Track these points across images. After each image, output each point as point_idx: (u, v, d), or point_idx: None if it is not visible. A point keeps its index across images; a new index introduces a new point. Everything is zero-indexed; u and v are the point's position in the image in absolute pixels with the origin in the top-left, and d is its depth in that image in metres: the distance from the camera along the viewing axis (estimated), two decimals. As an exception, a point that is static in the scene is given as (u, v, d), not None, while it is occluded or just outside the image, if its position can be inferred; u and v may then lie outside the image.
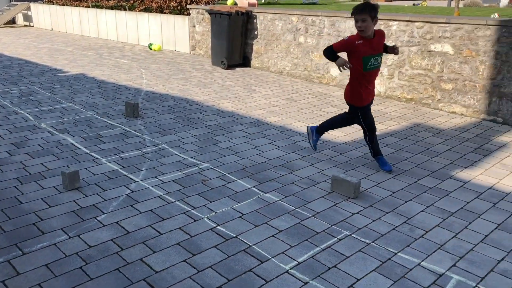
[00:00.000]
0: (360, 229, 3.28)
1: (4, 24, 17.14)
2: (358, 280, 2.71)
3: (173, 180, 4.00)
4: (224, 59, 9.20)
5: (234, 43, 9.14)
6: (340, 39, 7.62)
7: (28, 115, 5.82)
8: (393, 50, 4.15)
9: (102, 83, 7.79)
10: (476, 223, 3.41)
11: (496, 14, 20.97)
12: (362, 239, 3.15)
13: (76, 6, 14.95)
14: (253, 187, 3.92)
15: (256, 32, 9.19)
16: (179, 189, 3.84)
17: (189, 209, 3.50)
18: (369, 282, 2.70)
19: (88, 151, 4.62)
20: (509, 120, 5.87)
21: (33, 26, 17.35)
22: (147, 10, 12.48)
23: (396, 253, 3.00)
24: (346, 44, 4.02)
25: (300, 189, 3.91)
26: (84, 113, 5.98)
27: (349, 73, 4.19)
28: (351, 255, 2.96)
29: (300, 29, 8.29)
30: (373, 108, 6.50)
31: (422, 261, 2.92)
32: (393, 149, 4.87)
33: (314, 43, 8.08)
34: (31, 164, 4.27)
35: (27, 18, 17.65)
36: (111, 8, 13.65)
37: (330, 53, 4.06)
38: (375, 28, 4.08)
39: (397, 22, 6.81)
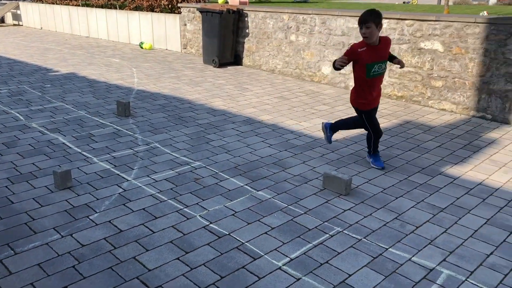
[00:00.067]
0: (351, 225, 3.31)
1: (-7, 23, 16.98)
2: (350, 275, 2.74)
3: (165, 179, 4.00)
4: (216, 58, 9.20)
5: (225, 41, 9.14)
6: (331, 37, 7.68)
7: (18, 114, 5.78)
8: (399, 63, 4.22)
9: (93, 82, 7.76)
10: (465, 218, 3.46)
11: (485, 12, 21.17)
12: (354, 235, 3.18)
13: (66, 5, 14.85)
14: (246, 185, 3.93)
15: (247, 31, 9.20)
16: (172, 187, 3.84)
17: (182, 208, 3.51)
18: (361, 277, 2.73)
19: (80, 151, 4.61)
20: (498, 117, 5.94)
21: (22, 25, 17.21)
22: (137, 8, 12.43)
23: (387, 249, 3.03)
24: (349, 54, 4.05)
25: (292, 186, 3.93)
26: (75, 112, 5.96)
27: (345, 72, 4.21)
28: (343, 251, 2.99)
29: (291, 27, 8.31)
30: (364, 105, 6.56)
31: (413, 256, 2.96)
32: (384, 146, 4.91)
33: (306, 41, 8.11)
34: (22, 164, 4.25)
35: (16, 17, 17.50)
36: (102, 6, 13.58)
37: (340, 67, 4.08)
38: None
39: (387, 20, 6.85)
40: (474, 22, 5.97)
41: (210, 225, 3.27)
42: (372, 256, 2.94)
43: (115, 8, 13.07)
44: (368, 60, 3.99)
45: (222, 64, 9.34)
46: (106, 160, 4.37)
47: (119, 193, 3.71)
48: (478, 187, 4.00)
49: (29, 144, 4.74)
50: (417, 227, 3.31)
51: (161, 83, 7.74)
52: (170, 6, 11.38)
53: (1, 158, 4.38)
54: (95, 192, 3.72)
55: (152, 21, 11.65)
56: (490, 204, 3.69)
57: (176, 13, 11.09)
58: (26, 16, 16.91)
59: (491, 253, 3.01)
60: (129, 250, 2.93)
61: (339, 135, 5.25)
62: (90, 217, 3.32)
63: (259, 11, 8.87)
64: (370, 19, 3.90)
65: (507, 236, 3.22)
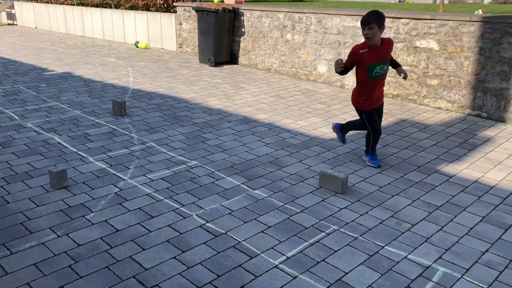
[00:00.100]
0: (347, 224, 3.32)
1: (-12, 22, 16.90)
2: (346, 273, 2.75)
3: (161, 178, 4.00)
4: (212, 57, 9.19)
5: (221, 40, 9.13)
6: (326, 36, 7.68)
7: (13, 114, 5.76)
8: (402, 73, 4.26)
9: (88, 81, 7.73)
10: (461, 216, 3.48)
11: (480, 11, 21.25)
12: (350, 233, 3.19)
13: (61, 4, 14.79)
14: (242, 184, 3.94)
15: (243, 29, 9.20)
16: (168, 187, 3.84)
17: (178, 207, 3.50)
18: (357, 275, 2.74)
19: (76, 150, 4.59)
20: (493, 115, 5.97)
21: (17, 25, 17.13)
22: (133, 7, 12.39)
23: (383, 247, 3.04)
24: (351, 56, 4.06)
25: (288, 185, 3.94)
26: (71, 112, 5.94)
27: (345, 75, 4.21)
28: (339, 249, 3.00)
29: (287, 26, 8.32)
30: (360, 104, 6.57)
31: (409, 254, 2.97)
32: (380, 145, 4.92)
33: (301, 40, 8.12)
34: (18, 163, 4.23)
35: (11, 16, 17.42)
36: (97, 6, 13.53)
37: (344, 71, 4.11)
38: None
39: (383, 19, 6.86)
40: (469, 21, 5.99)
41: (207, 224, 3.27)
42: (368, 254, 2.95)
43: (110, 7, 13.03)
44: (370, 61, 4.00)
45: (218, 63, 9.33)
46: (102, 160, 4.36)
47: (115, 193, 3.71)
48: (474, 185, 4.01)
49: (25, 144, 4.72)
50: (413, 225, 3.33)
51: (157, 82, 7.73)
52: (165, 5, 11.36)
53: (-4, 158, 4.36)
54: (91, 192, 3.71)
55: (148, 20, 11.63)
56: (485, 202, 3.71)
57: (172, 12, 11.07)
58: (20, 16, 16.84)
59: (487, 251, 3.03)
60: (126, 250, 2.93)
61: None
62: (86, 217, 3.32)
63: (255, 10, 8.87)
64: (373, 20, 3.91)
65: (502, 234, 3.24)
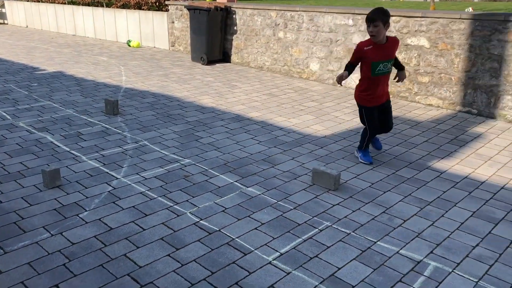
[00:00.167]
0: (340, 220, 3.35)
1: (-23, 21, 16.76)
2: (339, 268, 2.78)
3: (155, 176, 4.01)
4: (204, 55, 9.19)
5: (213, 38, 9.13)
6: (318, 34, 7.71)
7: (5, 113, 5.73)
8: (399, 77, 4.31)
9: (80, 80, 7.71)
10: (452, 211, 3.52)
11: (470, 8, 21.39)
12: (343, 229, 3.22)
13: (52, 3, 14.70)
14: (235, 181, 3.95)
15: (235, 28, 9.21)
16: (161, 185, 3.85)
17: (172, 205, 3.52)
18: (350, 270, 2.77)
19: (68, 149, 4.59)
20: (484, 112, 6.03)
21: (7, 24, 17.00)
22: (125, 6, 12.34)
23: (375, 242, 3.07)
24: (356, 53, 4.09)
25: (281, 182, 3.96)
26: (63, 111, 5.92)
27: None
28: (332, 245, 3.03)
29: (279, 24, 8.34)
30: (352, 102, 6.61)
31: (401, 249, 3.00)
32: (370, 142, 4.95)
33: (294, 38, 8.14)
34: (10, 163, 4.22)
35: (1, 15, 17.27)
36: (88, 4, 13.46)
37: (348, 69, 4.13)
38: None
39: (374, 17, 6.91)
40: (459, 18, 6.04)
41: (201, 221, 3.28)
42: (360, 250, 2.98)
43: (102, 6, 12.97)
44: (374, 58, 4.01)
45: (210, 62, 9.34)
46: (95, 159, 4.36)
47: (109, 191, 3.71)
48: (464, 181, 4.06)
49: (17, 144, 4.70)
50: (404, 221, 3.36)
51: (149, 81, 7.72)
52: (157, 3, 11.33)
53: (-11, 157, 4.34)
54: (84, 191, 3.71)
55: (140, 18, 11.60)
56: (476, 197, 3.75)
57: (164, 11, 11.04)
58: (11, 15, 16.71)
59: (477, 245, 3.07)
60: (120, 248, 2.94)
61: (328, 131, 5.29)
62: (80, 216, 3.32)
63: (247, 8, 8.88)
64: (378, 17, 3.91)
65: (492, 228, 3.28)
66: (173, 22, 10.67)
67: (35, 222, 3.21)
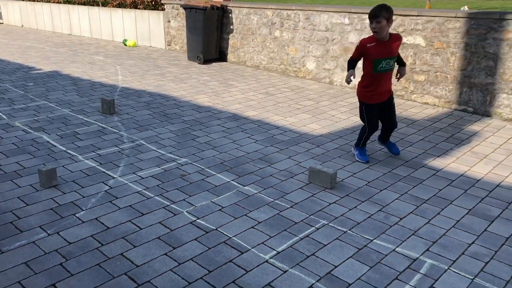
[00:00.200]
0: (337, 218, 3.36)
1: (-28, 21, 16.67)
2: (335, 267, 2.79)
3: (151, 176, 4.00)
4: (200, 54, 9.19)
5: (209, 38, 9.13)
6: (315, 32, 7.72)
7: (0, 113, 5.71)
8: (399, 73, 4.26)
9: (76, 80, 7.69)
10: (448, 209, 3.54)
11: (466, 7, 21.45)
12: (339, 228, 3.23)
13: (47, 2, 14.65)
14: (232, 180, 3.96)
15: (231, 27, 9.20)
16: (158, 184, 3.85)
17: (169, 204, 3.52)
18: (346, 268, 2.78)
19: (65, 149, 4.58)
20: (479, 110, 6.05)
21: (2, 23, 16.92)
22: (120, 5, 12.31)
23: (372, 240, 3.09)
24: (358, 49, 4.08)
25: (278, 181, 3.97)
26: (59, 110, 5.91)
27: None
28: (329, 243, 3.04)
29: (275, 23, 8.34)
30: (348, 101, 6.63)
31: (397, 247, 3.02)
32: (368, 140, 4.96)
33: (290, 37, 8.14)
34: (6, 163, 4.21)
35: (-4, 14, 17.20)
36: (84, 3, 13.42)
37: (350, 65, 4.13)
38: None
39: (370, 16, 6.92)
40: (455, 17, 6.06)
41: (197, 220, 3.29)
42: (357, 248, 2.99)
43: (98, 5, 12.94)
44: (377, 55, 3.99)
45: (206, 61, 9.33)
46: (92, 158, 4.35)
47: (105, 191, 3.71)
48: (460, 179, 4.08)
49: (13, 143, 4.69)
50: (401, 219, 3.38)
51: (146, 80, 7.71)
52: (153, 2, 11.31)
53: (-16, 157, 4.33)
54: (81, 190, 3.70)
55: (136, 18, 11.57)
56: (471, 195, 3.77)
57: (160, 10, 11.02)
58: (6, 14, 16.64)
59: (473, 242, 3.09)
60: (117, 247, 2.94)
61: (324, 129, 5.30)
62: (77, 215, 3.32)
63: (243, 7, 8.88)
64: (381, 14, 3.88)
65: (488, 226, 3.30)
66: (169, 21, 10.66)
67: (32, 222, 3.21)
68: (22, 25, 15.91)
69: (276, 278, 2.67)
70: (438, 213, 3.47)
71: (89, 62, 9.36)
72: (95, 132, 5.09)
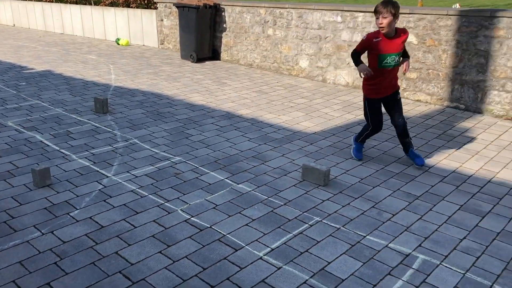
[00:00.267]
0: (330, 215, 3.39)
1: (-37, 20, 16.53)
2: (329, 263, 2.82)
3: (145, 174, 4.01)
4: (193, 53, 9.18)
5: (202, 36, 9.12)
6: (307, 31, 7.74)
7: (-7, 113, 5.69)
8: (402, 64, 4.12)
9: (69, 79, 7.66)
10: (440, 205, 3.57)
11: (457, 4, 21.55)
12: (332, 224, 3.26)
13: (39, 1, 14.56)
14: (226, 178, 3.97)
15: (224, 25, 9.20)
16: (152, 183, 3.86)
17: (163, 202, 3.53)
18: (340, 264, 2.81)
19: (58, 148, 4.57)
20: (471, 107, 6.11)
21: (-6, 22, 16.79)
22: (113, 4, 12.27)
23: (365, 236, 3.11)
24: (364, 43, 4.04)
25: (272, 179, 3.99)
26: (52, 110, 5.89)
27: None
28: (322, 239, 3.07)
29: (268, 21, 8.35)
30: (341, 98, 6.66)
31: (390, 242, 3.05)
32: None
33: (283, 35, 8.16)
34: (-1, 162, 4.20)
35: (-12, 14, 17.06)
36: (76, 2, 13.36)
37: (355, 57, 4.09)
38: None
39: (362, 14, 6.96)
40: (446, 15, 6.11)
41: (192, 218, 3.30)
42: (350, 244, 3.02)
43: (90, 4, 12.89)
44: (382, 51, 3.94)
45: (200, 59, 9.32)
46: (85, 157, 4.35)
47: (99, 190, 3.71)
48: (452, 175, 4.12)
49: (6, 143, 4.67)
50: (393, 215, 3.41)
51: (139, 79, 7.70)
52: (146, 1, 11.28)
53: (-23, 157, 4.32)
54: (75, 189, 3.70)
55: (128, 17, 11.54)
56: (463, 191, 3.81)
57: (153, 9, 11.00)
58: (-3, 13, 16.51)
59: (464, 238, 3.13)
60: (111, 245, 2.95)
61: (317, 127, 5.33)
62: (71, 214, 3.32)
63: (236, 6, 8.88)
64: (387, 9, 3.81)
65: (479, 221, 3.34)
66: (162, 20, 10.64)
67: (26, 221, 3.21)
68: (14, 24, 15.81)
69: (270, 275, 2.69)
70: (430, 209, 3.50)
71: (81, 61, 9.32)
72: (88, 131, 5.08)
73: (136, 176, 3.97)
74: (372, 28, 6.84)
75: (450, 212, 3.47)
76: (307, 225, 3.24)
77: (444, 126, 5.50)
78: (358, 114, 5.87)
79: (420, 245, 3.02)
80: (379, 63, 4.02)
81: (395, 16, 3.86)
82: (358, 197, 3.67)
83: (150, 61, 9.32)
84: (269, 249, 2.95)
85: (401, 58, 4.12)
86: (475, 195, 3.75)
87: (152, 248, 2.93)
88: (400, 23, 6.52)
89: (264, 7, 8.36)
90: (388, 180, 4.00)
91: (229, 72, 8.43)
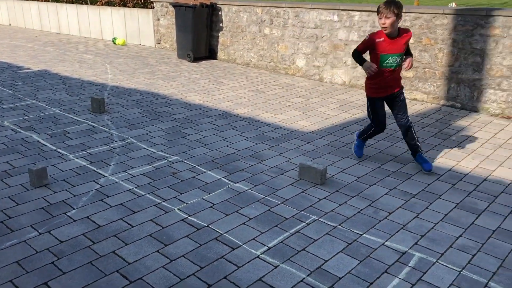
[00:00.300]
0: (327, 214, 3.40)
1: (-41, 20, 16.46)
2: (326, 261, 2.83)
3: (142, 174, 4.01)
4: (190, 52, 9.18)
5: (199, 35, 9.12)
6: (304, 30, 7.75)
7: (-11, 113, 5.68)
8: (404, 61, 4.04)
9: (66, 79, 7.65)
10: (436, 203, 3.59)
11: (453, 3, 21.58)
12: (329, 223, 3.27)
13: (35, 0, 14.52)
14: (223, 177, 3.98)
15: (221, 24, 9.20)
16: (149, 182, 3.86)
17: (160, 201, 3.53)
18: (337, 262, 2.82)
19: (55, 148, 4.57)
20: (467, 105, 6.13)
21: (-10, 22, 16.74)
22: (109, 3, 12.25)
23: (361, 235, 3.13)
24: (366, 43, 3.99)
25: (269, 178, 4.00)
26: (49, 109, 5.88)
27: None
28: (319, 238, 3.08)
29: (265, 20, 8.36)
30: (338, 97, 6.67)
31: (386, 241, 3.06)
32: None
33: (280, 34, 8.17)
34: (-4, 162, 4.19)
35: (-17, 13, 17.00)
36: (72, 2, 13.33)
37: (357, 56, 4.05)
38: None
39: (359, 13, 6.97)
40: (442, 14, 6.13)
41: (189, 217, 3.31)
42: (347, 242, 3.03)
43: (86, 3, 12.86)
44: (383, 51, 3.92)
45: (196, 59, 9.32)
46: (82, 157, 4.35)
47: (96, 189, 3.71)
48: (448, 173, 4.14)
49: (2, 143, 4.67)
50: (390, 213, 3.42)
51: (136, 79, 7.69)
52: (142, 0, 11.27)
53: (-26, 157, 4.31)
54: (72, 189, 3.70)
55: (125, 16, 11.52)
56: (459, 189, 3.83)
57: (149, 8, 10.99)
58: (-7, 13, 16.45)
59: (460, 235, 3.14)
60: (108, 245, 2.95)
61: (314, 126, 5.34)
62: (68, 214, 3.32)
63: (233, 5, 8.88)
64: (390, 9, 3.77)
65: (475, 219, 3.36)
66: (158, 19, 10.63)
67: (23, 221, 3.21)
68: (10, 24, 15.76)
69: (267, 273, 2.70)
70: (427, 207, 3.52)
71: (78, 61, 9.31)
72: (85, 131, 5.08)
73: (133, 176, 3.97)
74: (368, 27, 6.85)
75: (446, 210, 3.48)
76: (304, 223, 3.26)
77: (440, 124, 5.52)
78: (354, 113, 5.89)
79: (416, 243, 3.04)
80: (380, 64, 3.98)
81: (398, 16, 3.82)
82: (354, 196, 3.69)
83: (146, 61, 9.31)
84: (266, 247, 2.96)
85: (404, 57, 4.08)
86: (471, 193, 3.77)
87: (149, 247, 2.94)
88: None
89: (261, 6, 8.37)
90: (384, 178, 4.02)
91: (226, 71, 8.43)
